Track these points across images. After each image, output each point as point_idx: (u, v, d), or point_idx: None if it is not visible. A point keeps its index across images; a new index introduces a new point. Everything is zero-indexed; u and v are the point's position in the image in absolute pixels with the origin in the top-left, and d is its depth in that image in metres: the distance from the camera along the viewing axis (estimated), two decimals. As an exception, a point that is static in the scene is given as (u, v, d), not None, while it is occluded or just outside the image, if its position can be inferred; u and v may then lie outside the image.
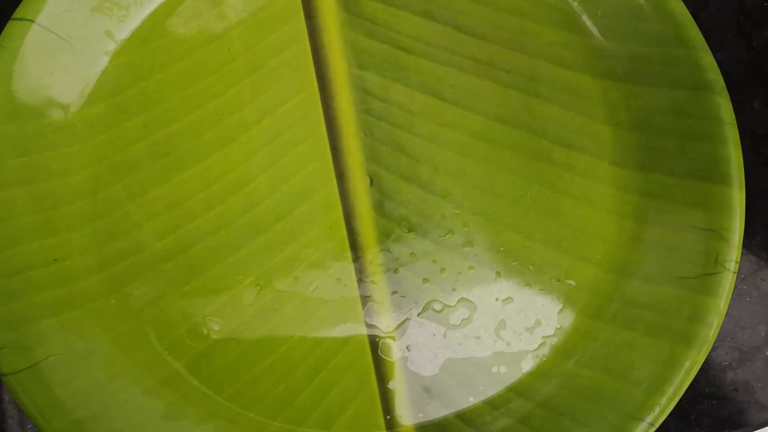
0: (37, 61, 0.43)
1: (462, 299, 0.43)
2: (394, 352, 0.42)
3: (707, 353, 0.38)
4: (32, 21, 0.43)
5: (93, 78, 0.45)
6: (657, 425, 0.36)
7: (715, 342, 0.39)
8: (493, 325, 0.42)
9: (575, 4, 0.49)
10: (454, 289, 0.43)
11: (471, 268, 0.43)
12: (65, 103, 0.44)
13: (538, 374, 0.41)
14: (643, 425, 0.37)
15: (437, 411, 0.40)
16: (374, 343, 0.42)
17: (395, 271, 0.43)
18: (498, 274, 0.43)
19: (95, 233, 0.42)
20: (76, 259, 0.41)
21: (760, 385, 0.45)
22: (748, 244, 0.48)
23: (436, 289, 0.43)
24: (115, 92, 0.45)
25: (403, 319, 0.42)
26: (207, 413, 0.39)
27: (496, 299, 0.43)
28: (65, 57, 0.44)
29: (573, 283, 0.43)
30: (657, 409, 0.37)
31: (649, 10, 0.46)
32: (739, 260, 0.40)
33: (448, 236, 0.44)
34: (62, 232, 0.41)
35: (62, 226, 0.41)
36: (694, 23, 0.45)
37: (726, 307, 0.39)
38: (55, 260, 0.40)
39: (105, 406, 0.37)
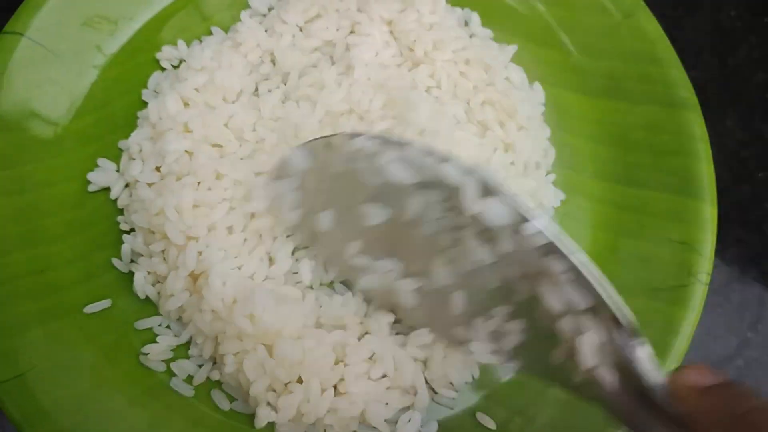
0: (25, 74, 0.43)
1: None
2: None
3: (680, 363, 0.39)
4: (22, 34, 0.43)
5: (82, 91, 0.45)
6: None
7: (687, 352, 0.40)
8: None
9: (554, 23, 0.50)
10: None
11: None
12: (53, 115, 0.44)
13: (515, 384, 0.41)
14: (619, 433, 0.37)
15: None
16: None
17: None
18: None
19: (81, 244, 0.42)
20: (62, 269, 0.41)
21: (732, 393, 0.46)
22: (720, 257, 0.50)
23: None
24: (103, 105, 0.46)
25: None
26: (191, 422, 0.39)
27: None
28: (54, 70, 0.44)
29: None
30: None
31: (625, 29, 0.48)
32: (711, 272, 0.41)
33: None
34: (48, 242, 0.41)
35: (48, 236, 0.42)
36: (668, 42, 0.46)
37: (698, 318, 0.40)
38: (42, 270, 0.40)
39: (90, 415, 0.37)
